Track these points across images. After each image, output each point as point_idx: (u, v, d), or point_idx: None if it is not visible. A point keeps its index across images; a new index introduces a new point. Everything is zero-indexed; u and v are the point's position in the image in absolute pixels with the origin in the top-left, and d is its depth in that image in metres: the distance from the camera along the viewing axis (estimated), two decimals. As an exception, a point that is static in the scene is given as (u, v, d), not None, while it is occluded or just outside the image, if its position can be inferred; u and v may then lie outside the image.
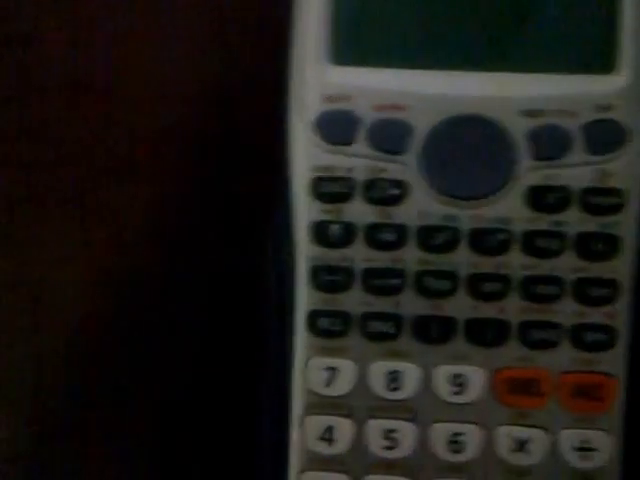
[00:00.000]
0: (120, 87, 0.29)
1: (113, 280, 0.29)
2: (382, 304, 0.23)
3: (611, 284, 0.23)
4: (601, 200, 0.23)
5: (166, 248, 0.29)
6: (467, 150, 0.23)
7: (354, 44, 0.24)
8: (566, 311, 0.23)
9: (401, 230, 0.23)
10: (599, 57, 0.24)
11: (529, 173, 0.23)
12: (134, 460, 0.29)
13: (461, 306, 0.23)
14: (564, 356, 0.23)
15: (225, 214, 0.29)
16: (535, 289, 0.23)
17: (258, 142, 0.28)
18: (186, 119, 0.29)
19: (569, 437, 0.23)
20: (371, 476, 0.23)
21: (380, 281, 0.23)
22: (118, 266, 0.29)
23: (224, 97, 0.29)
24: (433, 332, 0.23)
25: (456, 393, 0.23)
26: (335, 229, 0.23)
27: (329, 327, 0.23)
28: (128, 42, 0.29)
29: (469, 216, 0.23)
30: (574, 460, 0.23)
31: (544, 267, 0.23)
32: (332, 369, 0.23)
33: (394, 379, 0.23)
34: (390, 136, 0.23)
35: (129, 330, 0.29)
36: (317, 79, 0.24)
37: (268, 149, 0.24)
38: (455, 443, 0.23)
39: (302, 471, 0.24)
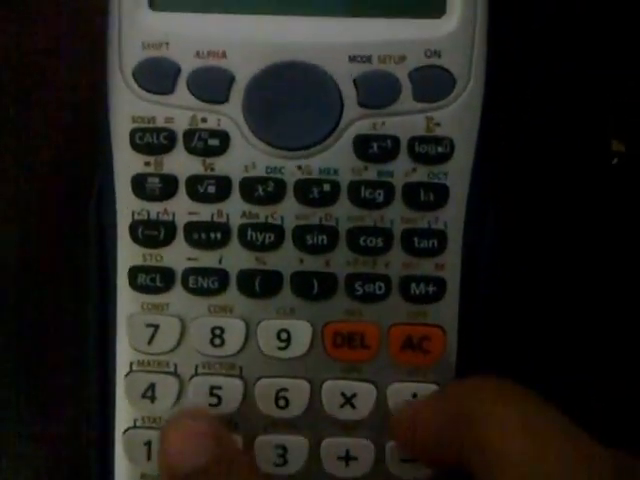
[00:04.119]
0: None
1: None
2: (205, 259, 0.23)
3: (439, 235, 0.23)
4: (429, 149, 0.23)
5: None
6: (292, 99, 0.23)
7: None
8: (394, 263, 0.23)
9: (224, 182, 0.23)
10: (428, 1, 0.23)
11: (356, 122, 0.23)
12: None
13: (287, 259, 0.23)
14: (392, 309, 0.23)
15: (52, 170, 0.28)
16: (362, 241, 0.23)
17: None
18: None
19: (398, 390, 0.23)
20: (195, 433, 0.23)
21: (203, 235, 0.23)
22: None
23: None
24: (258, 286, 0.23)
25: (282, 348, 0.23)
26: (155, 182, 0.23)
27: (150, 283, 0.23)
28: None
29: (294, 167, 0.23)
30: (403, 413, 0.23)
31: (371, 218, 0.23)
32: (154, 326, 0.23)
33: (218, 335, 0.23)
34: (210, 85, 0.23)
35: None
36: (135, 25, 0.23)
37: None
38: (281, 399, 0.23)
39: (127, 429, 0.23)
